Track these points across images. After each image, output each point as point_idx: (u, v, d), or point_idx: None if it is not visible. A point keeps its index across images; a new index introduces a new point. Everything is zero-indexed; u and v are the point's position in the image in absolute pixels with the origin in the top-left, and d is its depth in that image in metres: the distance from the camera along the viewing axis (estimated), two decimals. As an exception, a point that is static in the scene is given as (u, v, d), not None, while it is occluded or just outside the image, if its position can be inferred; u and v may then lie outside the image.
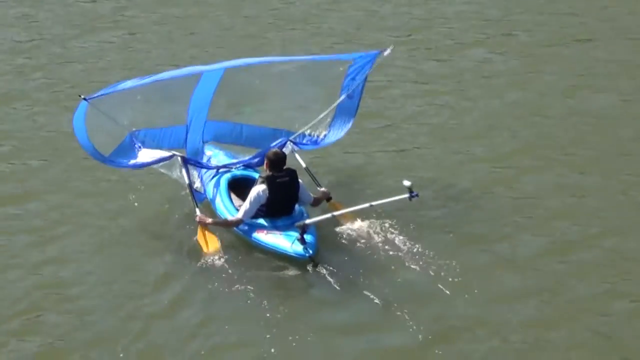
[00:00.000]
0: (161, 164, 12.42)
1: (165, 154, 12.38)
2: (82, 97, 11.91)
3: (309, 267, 11.31)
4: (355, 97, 12.71)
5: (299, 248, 11.36)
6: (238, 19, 19.19)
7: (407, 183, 11.58)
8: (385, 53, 12.40)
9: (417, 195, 11.61)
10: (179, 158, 12.37)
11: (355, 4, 19.78)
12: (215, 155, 13.01)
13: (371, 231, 11.91)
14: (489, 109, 15.36)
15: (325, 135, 12.91)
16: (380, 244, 11.70)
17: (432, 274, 11.19)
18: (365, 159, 13.97)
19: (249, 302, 10.92)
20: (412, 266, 11.32)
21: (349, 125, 12.87)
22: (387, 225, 11.97)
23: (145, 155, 12.38)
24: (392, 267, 11.36)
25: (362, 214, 12.01)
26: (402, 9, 19.45)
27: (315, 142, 12.93)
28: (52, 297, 11.14)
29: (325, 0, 19.95)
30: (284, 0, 20.06)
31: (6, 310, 10.94)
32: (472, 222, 12.30)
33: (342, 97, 12.70)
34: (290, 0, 20.05)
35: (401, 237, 11.78)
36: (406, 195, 11.63)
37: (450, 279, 11.11)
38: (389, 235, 11.81)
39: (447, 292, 10.91)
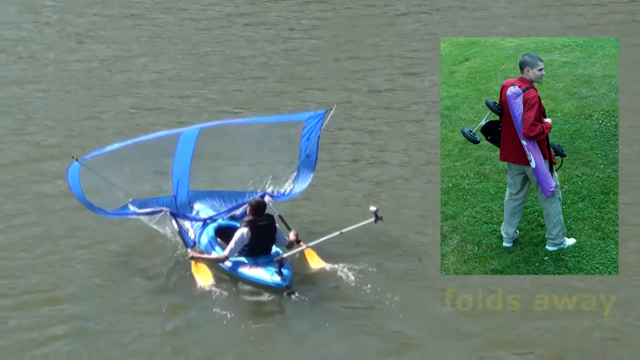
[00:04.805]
0: (154, 219, 14.51)
1: (156, 208, 14.52)
2: (75, 158, 13.83)
3: (285, 295, 13.48)
4: (312, 155, 14.93)
5: (277, 279, 13.53)
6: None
7: (372, 208, 13.66)
8: (330, 113, 14.67)
9: (381, 218, 13.63)
10: (168, 213, 14.46)
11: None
12: (203, 209, 15.16)
13: (333, 269, 14.06)
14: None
15: (291, 189, 15.11)
16: (341, 277, 13.92)
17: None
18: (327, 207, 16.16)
19: (232, 320, 13.17)
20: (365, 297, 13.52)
21: (310, 178, 15.06)
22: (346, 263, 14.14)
23: (139, 210, 14.56)
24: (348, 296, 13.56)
25: (329, 259, 14.21)
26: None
27: (284, 195, 15.10)
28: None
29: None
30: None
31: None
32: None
33: (302, 158, 14.94)
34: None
35: (357, 267, 13.95)
36: (372, 220, 13.66)
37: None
38: (348, 268, 14.01)
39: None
